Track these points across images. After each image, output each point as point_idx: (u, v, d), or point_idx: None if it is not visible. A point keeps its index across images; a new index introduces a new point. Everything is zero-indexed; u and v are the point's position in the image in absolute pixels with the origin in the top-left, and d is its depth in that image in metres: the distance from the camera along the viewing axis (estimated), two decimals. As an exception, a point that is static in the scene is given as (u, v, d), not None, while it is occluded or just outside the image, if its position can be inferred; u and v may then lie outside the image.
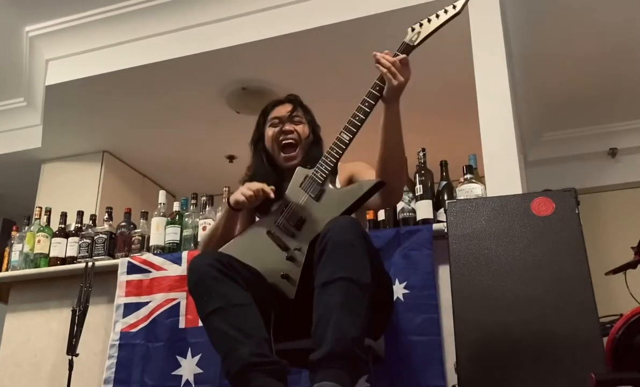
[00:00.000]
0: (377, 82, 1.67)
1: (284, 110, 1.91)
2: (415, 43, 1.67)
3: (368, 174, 1.76)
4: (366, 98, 1.67)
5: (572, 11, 3.00)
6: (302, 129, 1.89)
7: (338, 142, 1.67)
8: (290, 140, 1.86)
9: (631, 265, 1.87)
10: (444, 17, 1.67)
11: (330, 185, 1.67)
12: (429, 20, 1.68)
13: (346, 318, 1.36)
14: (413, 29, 1.69)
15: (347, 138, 1.65)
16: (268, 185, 1.71)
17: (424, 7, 2.77)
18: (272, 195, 1.67)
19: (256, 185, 1.68)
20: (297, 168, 1.75)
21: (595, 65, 3.41)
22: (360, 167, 1.83)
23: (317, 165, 1.68)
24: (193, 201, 2.80)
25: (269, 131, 1.90)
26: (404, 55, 1.62)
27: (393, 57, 1.62)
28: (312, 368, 1.34)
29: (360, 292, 1.41)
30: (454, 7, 1.68)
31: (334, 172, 1.77)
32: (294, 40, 3.03)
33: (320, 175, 1.65)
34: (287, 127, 1.87)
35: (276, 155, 1.88)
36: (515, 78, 3.16)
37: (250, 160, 1.97)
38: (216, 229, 1.82)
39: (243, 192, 1.68)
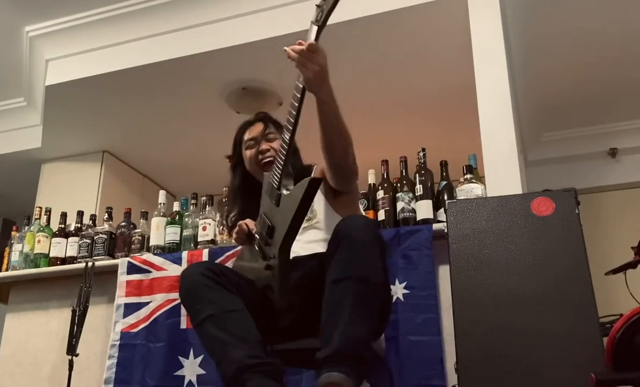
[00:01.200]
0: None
1: (256, 130, 1.94)
2: (321, 22, 1.53)
3: None
4: (294, 92, 1.58)
5: (572, 12, 3.00)
6: (278, 144, 1.87)
7: (282, 144, 1.63)
8: (269, 158, 1.87)
9: (631, 265, 1.87)
10: None
11: (284, 190, 1.64)
12: None
13: (356, 318, 1.35)
14: (319, 6, 1.54)
15: (287, 137, 1.59)
16: (250, 206, 1.84)
17: (423, 7, 2.77)
18: (253, 230, 1.75)
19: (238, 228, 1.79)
20: (264, 175, 1.76)
21: (596, 65, 3.41)
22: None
23: (272, 170, 1.67)
24: (193, 201, 2.80)
25: (247, 153, 1.93)
26: (311, 42, 1.49)
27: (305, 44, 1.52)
28: (318, 366, 1.34)
29: (372, 293, 1.40)
30: None
31: (303, 173, 1.76)
32: (294, 40, 3.02)
33: (275, 180, 1.64)
34: (263, 146, 1.89)
35: (258, 175, 1.89)
36: (515, 78, 3.16)
37: (229, 183, 2.03)
38: None
39: (234, 235, 1.83)
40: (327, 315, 1.39)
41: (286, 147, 1.60)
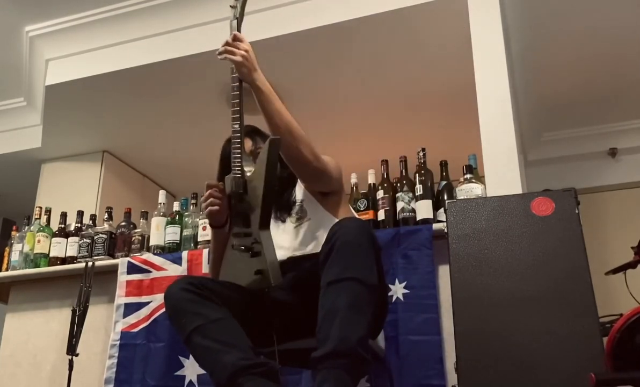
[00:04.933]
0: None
1: (246, 147, 1.90)
2: (238, 16, 1.74)
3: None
4: (232, 85, 1.71)
5: (572, 11, 3.00)
6: None
7: (233, 134, 1.70)
8: None
9: (631, 265, 1.87)
10: None
11: (247, 173, 1.69)
12: None
13: (352, 318, 1.36)
14: (233, 7, 1.75)
15: (237, 125, 1.69)
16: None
17: (423, 7, 2.77)
18: (220, 185, 1.74)
19: (205, 195, 1.74)
20: (225, 177, 1.77)
21: (595, 65, 3.41)
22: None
23: (231, 163, 1.70)
24: (193, 201, 2.80)
25: None
26: (235, 33, 1.70)
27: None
28: (314, 366, 1.34)
29: (367, 293, 1.41)
30: None
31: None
32: (294, 40, 3.03)
33: (237, 170, 1.67)
34: None
35: None
36: (515, 78, 3.16)
37: None
38: (211, 252, 1.87)
39: (206, 204, 1.74)
40: (323, 315, 1.39)
41: (238, 135, 1.68)
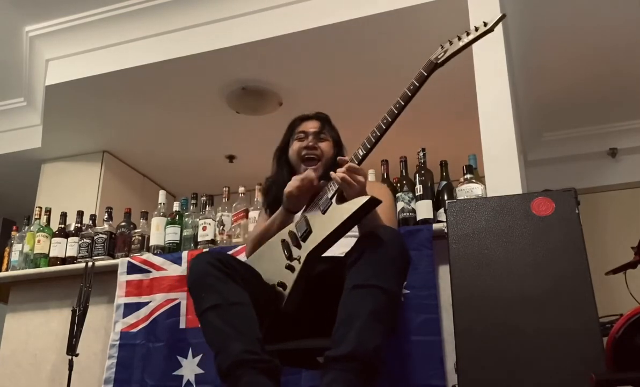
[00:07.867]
0: (404, 94, 1.75)
1: (310, 126, 1.96)
2: (440, 60, 1.68)
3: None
4: (387, 116, 1.69)
5: (572, 11, 3.00)
6: (326, 146, 1.94)
7: (353, 158, 1.66)
8: (312, 155, 1.90)
9: (631, 265, 1.87)
10: (473, 35, 1.65)
11: (335, 202, 1.64)
12: (459, 38, 1.66)
13: (372, 325, 1.37)
14: (442, 47, 1.69)
15: (361, 154, 1.65)
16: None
17: (423, 7, 2.77)
18: (315, 181, 1.71)
19: (303, 175, 1.72)
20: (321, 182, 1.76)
21: (596, 66, 3.41)
22: (373, 189, 1.81)
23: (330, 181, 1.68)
24: (193, 201, 2.80)
25: (295, 144, 1.94)
26: (353, 164, 1.62)
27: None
28: (326, 365, 1.34)
29: (390, 304, 1.42)
30: (485, 24, 1.65)
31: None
32: (294, 40, 3.03)
33: (332, 192, 1.65)
34: (312, 142, 1.91)
35: (297, 168, 1.90)
36: (515, 78, 3.16)
37: (271, 169, 2.02)
38: (267, 230, 1.80)
39: (291, 184, 1.71)
40: (343, 316, 1.39)
41: (356, 162, 1.65)
